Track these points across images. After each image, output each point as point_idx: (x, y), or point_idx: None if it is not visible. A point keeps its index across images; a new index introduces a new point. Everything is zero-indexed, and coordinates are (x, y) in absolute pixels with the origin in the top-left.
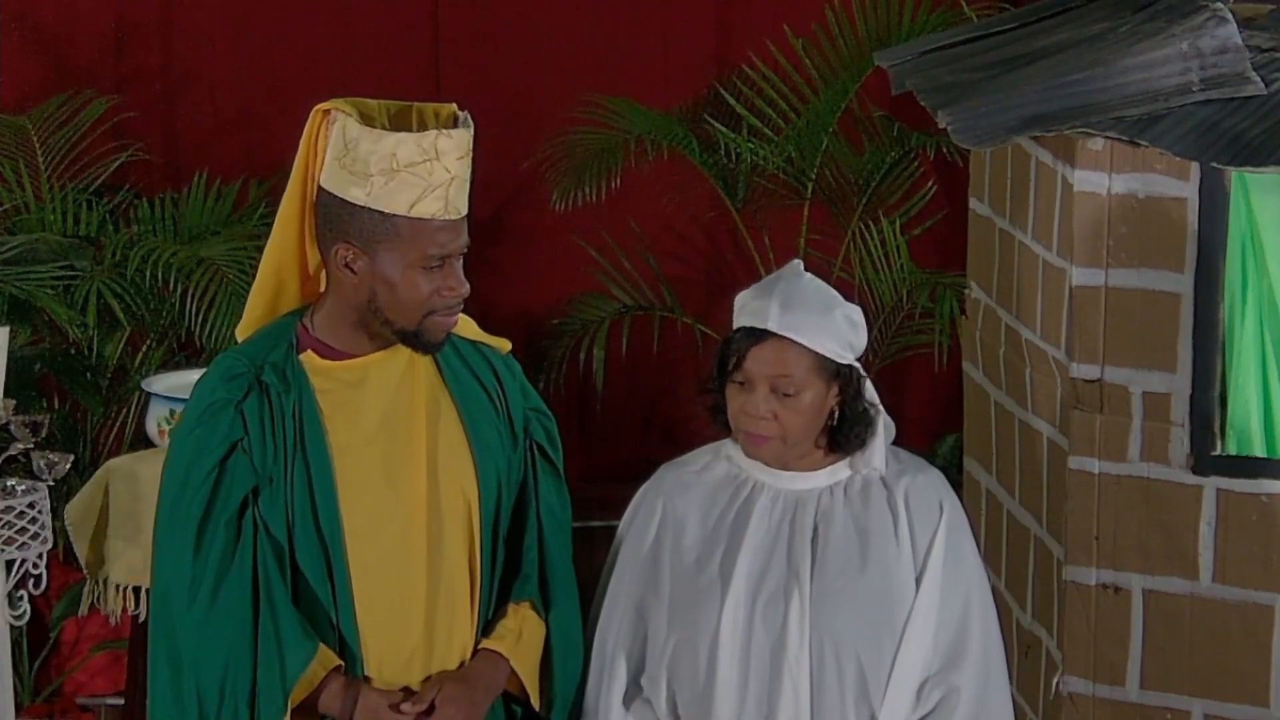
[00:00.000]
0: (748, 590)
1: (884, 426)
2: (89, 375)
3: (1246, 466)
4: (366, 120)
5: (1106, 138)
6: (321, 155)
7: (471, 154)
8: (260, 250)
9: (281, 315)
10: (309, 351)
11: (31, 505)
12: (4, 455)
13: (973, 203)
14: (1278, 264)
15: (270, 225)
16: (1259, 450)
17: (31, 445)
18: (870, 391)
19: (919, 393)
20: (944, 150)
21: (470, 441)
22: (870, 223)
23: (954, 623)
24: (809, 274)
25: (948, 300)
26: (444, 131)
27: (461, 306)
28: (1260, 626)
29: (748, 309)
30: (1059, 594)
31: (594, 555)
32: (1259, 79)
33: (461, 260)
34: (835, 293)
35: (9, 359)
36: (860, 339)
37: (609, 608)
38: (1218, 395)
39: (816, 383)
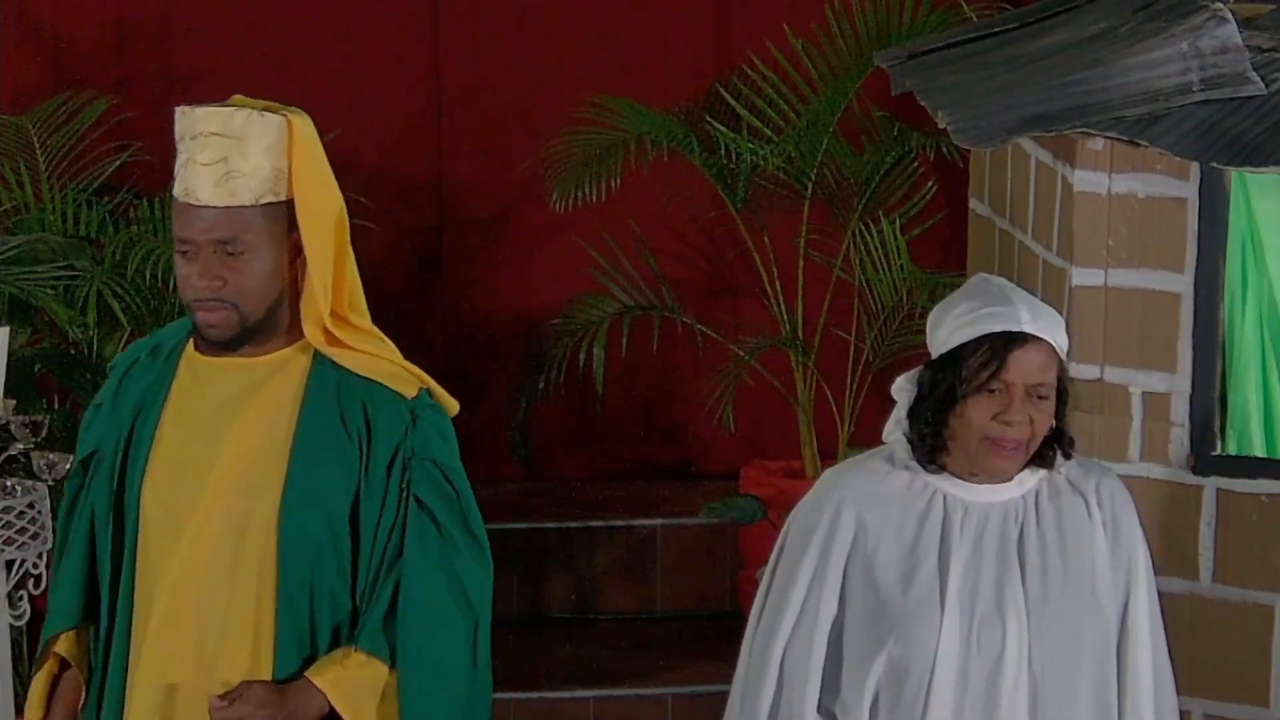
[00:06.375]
0: (961, 612)
1: None
2: (89, 375)
3: (1246, 466)
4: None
5: (1106, 138)
6: None
7: (216, 139)
8: None
9: None
10: (192, 340)
11: (31, 505)
12: (4, 455)
13: (973, 203)
14: (1278, 264)
15: None
16: (1259, 450)
17: (31, 445)
18: None
19: None
20: (944, 150)
21: (288, 473)
22: (870, 223)
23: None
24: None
25: None
26: (183, 109)
27: (218, 305)
28: (1260, 626)
29: (986, 316)
30: None
31: (594, 555)
32: (1259, 79)
33: (233, 257)
34: None
35: (9, 359)
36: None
37: (801, 620)
38: (1218, 395)
39: (1054, 388)
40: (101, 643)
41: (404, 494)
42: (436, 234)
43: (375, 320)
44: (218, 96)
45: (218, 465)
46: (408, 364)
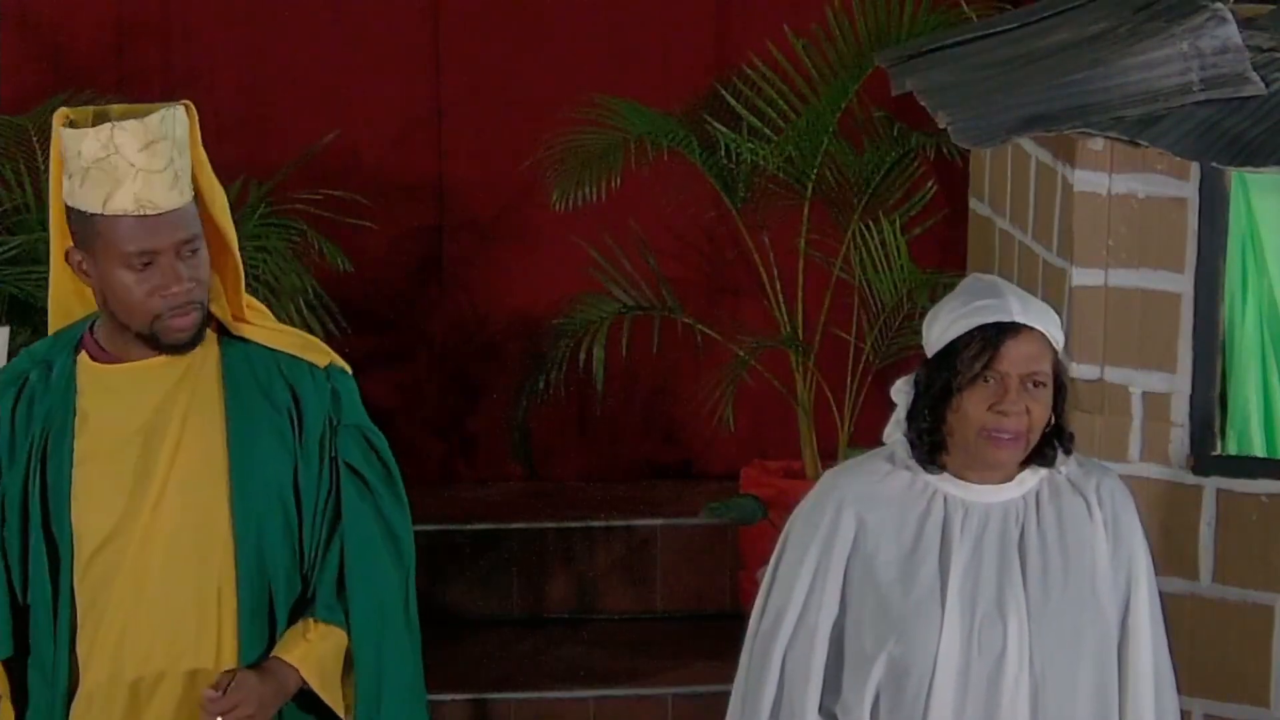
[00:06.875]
0: (962, 612)
1: None
2: None
3: (1246, 466)
4: (75, 123)
5: (1106, 138)
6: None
7: (163, 144)
8: (260, 251)
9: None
10: (84, 353)
11: None
12: None
13: (973, 203)
14: (1278, 264)
15: (271, 225)
16: (1259, 450)
17: None
18: None
19: None
20: (944, 150)
21: (230, 460)
22: (870, 223)
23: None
24: None
25: None
26: (118, 124)
27: (193, 306)
28: (1260, 626)
29: (978, 309)
30: None
31: (594, 555)
32: (1259, 79)
33: (193, 255)
34: None
35: (9, 359)
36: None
37: (802, 621)
38: (1218, 395)
39: (1050, 379)
40: (49, 663)
41: (334, 462)
42: (436, 234)
43: (375, 320)
44: (218, 96)
45: (159, 467)
46: (304, 333)
